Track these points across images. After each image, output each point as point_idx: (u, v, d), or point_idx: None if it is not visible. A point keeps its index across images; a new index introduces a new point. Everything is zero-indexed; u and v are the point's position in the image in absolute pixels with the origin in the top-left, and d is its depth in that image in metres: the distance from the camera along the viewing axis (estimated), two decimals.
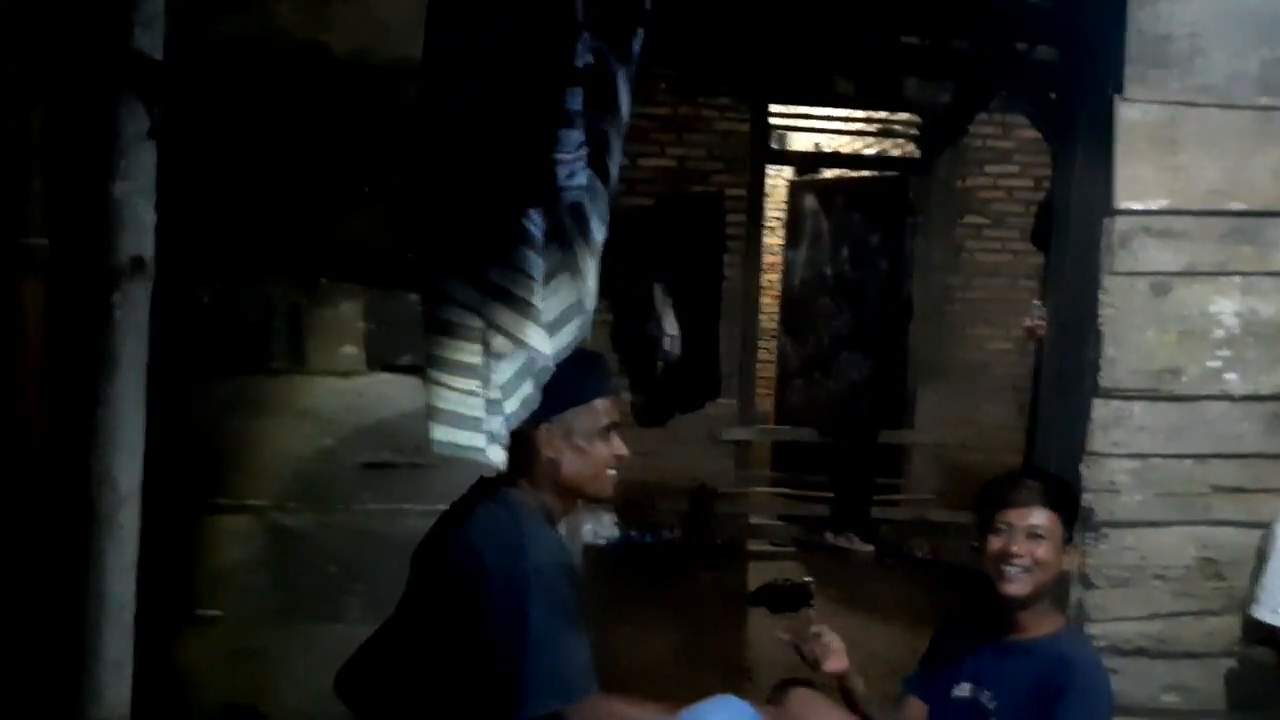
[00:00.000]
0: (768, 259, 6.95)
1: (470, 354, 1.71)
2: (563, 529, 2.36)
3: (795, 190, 7.18)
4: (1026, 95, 3.68)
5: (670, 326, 5.84)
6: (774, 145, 6.83)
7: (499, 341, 1.71)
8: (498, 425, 1.75)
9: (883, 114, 6.72)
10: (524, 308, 1.72)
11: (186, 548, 2.27)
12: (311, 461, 2.30)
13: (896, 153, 6.88)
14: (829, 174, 7.33)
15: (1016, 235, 5.97)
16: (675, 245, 5.89)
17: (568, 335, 1.84)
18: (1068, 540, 2.26)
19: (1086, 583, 2.61)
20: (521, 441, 1.92)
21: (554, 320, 1.79)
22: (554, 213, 1.73)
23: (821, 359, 6.65)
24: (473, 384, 1.71)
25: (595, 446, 1.97)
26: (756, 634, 4.57)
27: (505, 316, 1.72)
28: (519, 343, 1.72)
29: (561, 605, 1.82)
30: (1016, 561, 2.18)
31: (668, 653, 4.44)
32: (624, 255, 6.03)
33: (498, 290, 1.72)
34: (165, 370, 2.19)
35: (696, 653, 4.47)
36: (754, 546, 5.96)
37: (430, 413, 1.74)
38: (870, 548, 5.92)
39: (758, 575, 5.31)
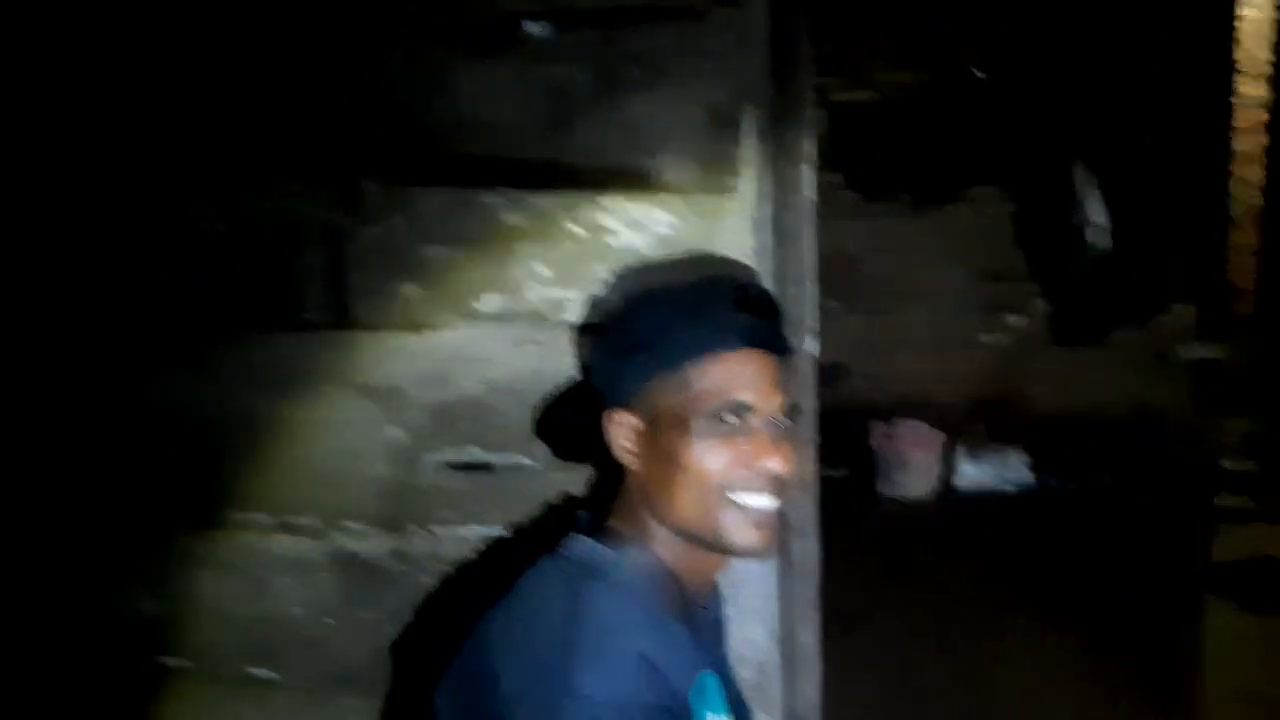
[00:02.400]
0: (1243, 117, 5.50)
1: None
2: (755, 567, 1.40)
3: None
4: None
5: (1097, 214, 5.13)
6: None
7: None
8: None
9: None
10: None
11: (200, 583, 1.61)
12: (372, 459, 1.53)
13: None
14: None
15: None
16: (1100, 108, 5.08)
17: None
18: None
19: None
20: (594, 439, 1.14)
21: None
22: None
23: None
24: None
25: (692, 449, 1.07)
26: (1219, 641, 3.58)
27: None
28: None
29: None
30: None
31: (1068, 659, 3.46)
32: (1030, 126, 5.05)
33: None
34: (153, 332, 1.55)
35: (1111, 664, 3.44)
36: (1225, 503, 4.85)
37: None
38: None
39: (1227, 545, 4.38)
